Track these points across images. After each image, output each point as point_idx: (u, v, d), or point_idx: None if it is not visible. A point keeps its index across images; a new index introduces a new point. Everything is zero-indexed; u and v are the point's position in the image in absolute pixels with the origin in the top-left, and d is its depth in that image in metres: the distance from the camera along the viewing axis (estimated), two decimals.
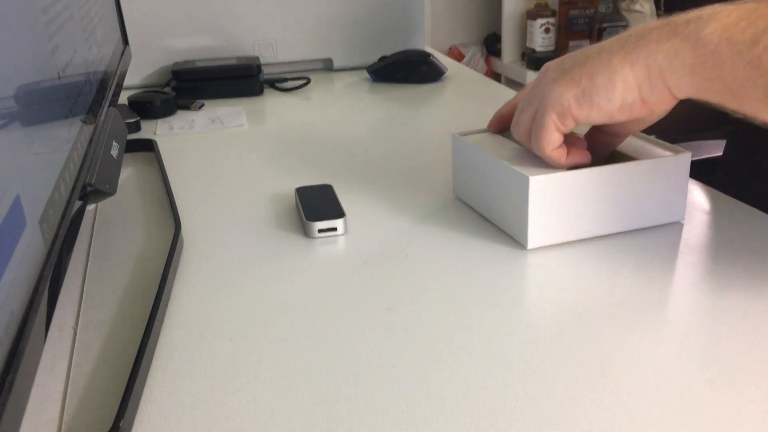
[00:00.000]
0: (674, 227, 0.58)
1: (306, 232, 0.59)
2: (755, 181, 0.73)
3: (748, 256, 0.53)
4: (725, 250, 0.54)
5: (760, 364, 0.41)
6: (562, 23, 2.40)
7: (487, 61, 2.65)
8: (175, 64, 1.10)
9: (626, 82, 0.48)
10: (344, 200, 0.65)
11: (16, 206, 0.33)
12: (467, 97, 1.03)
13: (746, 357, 0.42)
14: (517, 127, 0.55)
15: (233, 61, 1.10)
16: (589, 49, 0.51)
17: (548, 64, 0.54)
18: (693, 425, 0.37)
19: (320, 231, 0.58)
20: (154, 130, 0.91)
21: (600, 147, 0.58)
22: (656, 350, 0.43)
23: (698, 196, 0.64)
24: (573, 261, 0.53)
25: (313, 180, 0.71)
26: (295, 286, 0.52)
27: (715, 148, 0.63)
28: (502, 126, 0.62)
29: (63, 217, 0.41)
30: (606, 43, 0.50)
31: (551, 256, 0.54)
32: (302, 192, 0.65)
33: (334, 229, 0.59)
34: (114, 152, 0.60)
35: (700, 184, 0.67)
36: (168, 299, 0.50)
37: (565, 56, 0.53)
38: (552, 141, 0.52)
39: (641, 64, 0.47)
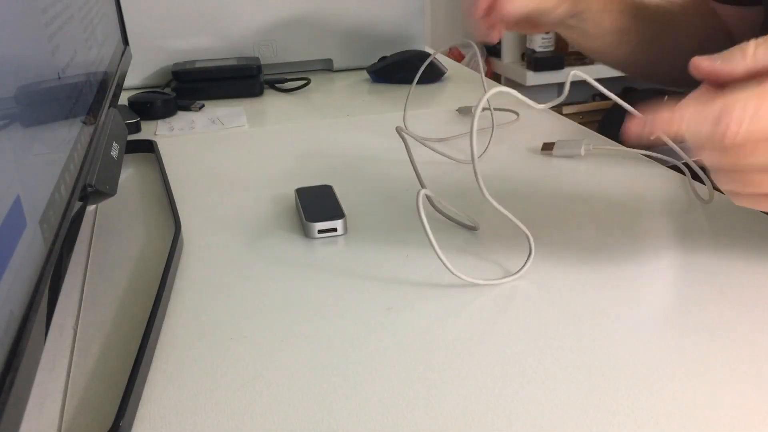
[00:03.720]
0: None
1: (306, 233, 0.59)
2: None
3: (740, 253, 0.53)
4: (721, 246, 0.54)
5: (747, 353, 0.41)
6: None
7: (487, 61, 2.65)
8: (176, 64, 1.10)
9: None
10: (344, 200, 0.65)
11: (17, 206, 0.33)
12: (467, 97, 1.03)
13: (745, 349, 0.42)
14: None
15: (233, 62, 1.10)
16: None
17: None
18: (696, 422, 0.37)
19: (320, 232, 0.58)
20: (154, 130, 0.91)
21: None
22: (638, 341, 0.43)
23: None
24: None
25: (313, 180, 0.71)
26: (295, 286, 0.52)
27: (687, 152, 0.64)
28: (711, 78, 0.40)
29: (63, 217, 0.41)
30: None
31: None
32: (302, 193, 0.65)
33: (334, 229, 0.59)
34: (114, 153, 0.60)
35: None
36: (168, 299, 0.50)
37: None
38: None
39: None
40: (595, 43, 0.79)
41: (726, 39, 0.80)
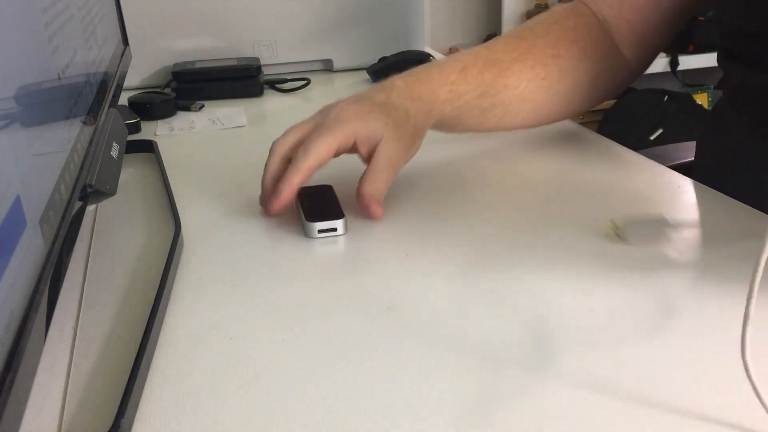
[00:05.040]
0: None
1: (306, 233, 0.59)
2: (729, 178, 0.73)
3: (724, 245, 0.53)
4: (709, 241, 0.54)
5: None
6: None
7: None
8: (176, 65, 1.10)
9: None
10: (344, 201, 0.65)
11: (16, 206, 0.33)
12: None
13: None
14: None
15: (233, 62, 1.10)
16: None
17: None
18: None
19: (320, 231, 0.59)
20: (154, 131, 0.91)
21: None
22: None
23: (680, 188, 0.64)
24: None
25: (313, 180, 0.71)
26: (295, 286, 0.52)
27: (687, 152, 0.64)
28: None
29: (63, 217, 0.41)
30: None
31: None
32: (302, 192, 0.65)
33: (334, 229, 0.59)
34: (114, 153, 0.60)
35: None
36: (168, 299, 0.50)
37: None
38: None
39: None
40: (489, 123, 0.72)
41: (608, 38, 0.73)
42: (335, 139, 0.60)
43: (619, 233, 0.53)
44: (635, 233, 0.56)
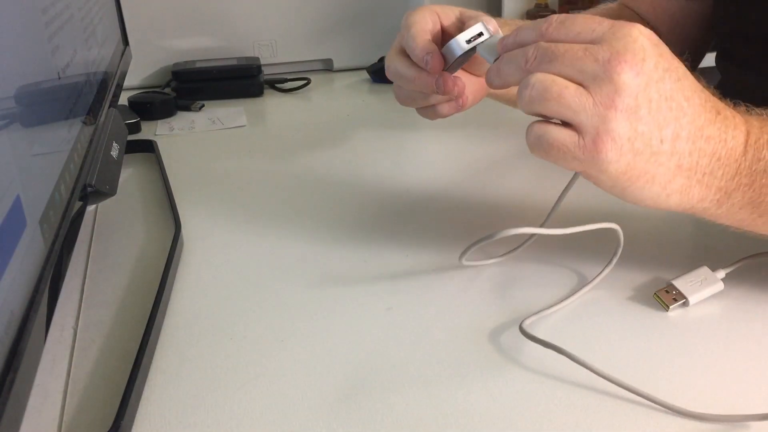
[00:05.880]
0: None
1: (453, 51, 0.51)
2: None
3: None
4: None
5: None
6: None
7: None
8: (176, 64, 1.10)
9: (681, 200, 0.42)
10: (342, 202, 0.64)
11: (17, 206, 0.33)
12: None
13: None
14: (539, 83, 0.39)
15: (233, 62, 1.10)
16: (681, 116, 0.39)
17: (646, 52, 0.38)
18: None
19: (468, 41, 0.50)
20: (154, 130, 0.91)
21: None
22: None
23: None
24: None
25: (312, 181, 0.71)
26: (294, 286, 0.52)
27: None
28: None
29: (63, 217, 0.41)
30: (697, 141, 0.40)
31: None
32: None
33: (480, 34, 0.50)
34: (114, 153, 0.60)
35: None
36: (168, 299, 0.50)
37: (659, 80, 0.39)
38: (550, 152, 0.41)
39: (709, 203, 0.42)
40: None
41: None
42: (432, 10, 0.55)
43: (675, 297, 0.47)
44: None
